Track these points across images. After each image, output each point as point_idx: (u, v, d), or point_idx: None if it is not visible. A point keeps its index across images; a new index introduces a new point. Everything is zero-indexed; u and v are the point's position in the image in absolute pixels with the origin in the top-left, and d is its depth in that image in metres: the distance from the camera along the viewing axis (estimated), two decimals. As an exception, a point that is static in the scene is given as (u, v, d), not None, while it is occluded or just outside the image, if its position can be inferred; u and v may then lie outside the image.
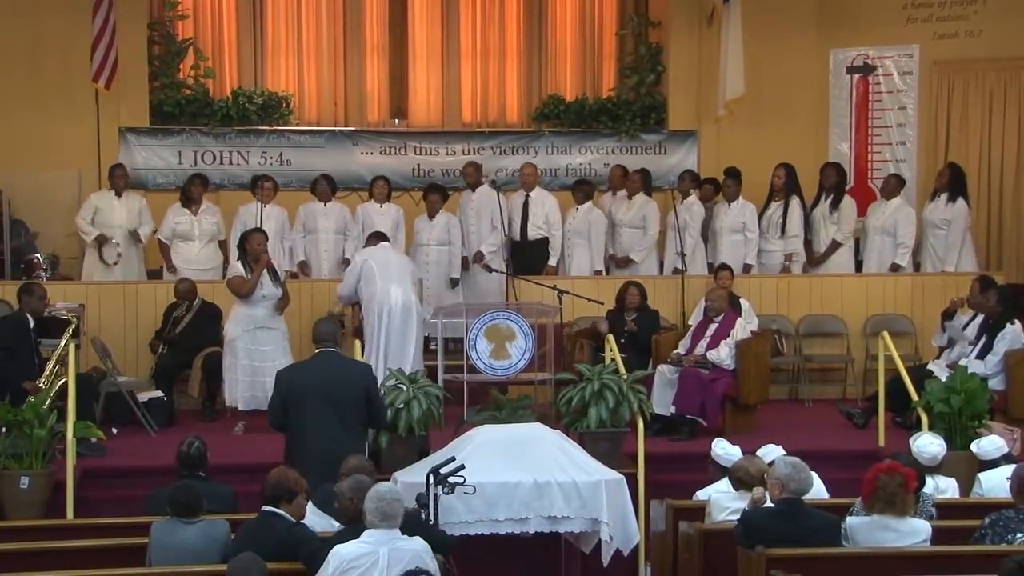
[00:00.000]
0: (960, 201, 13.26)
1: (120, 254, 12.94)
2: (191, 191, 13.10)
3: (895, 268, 13.27)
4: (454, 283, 13.08)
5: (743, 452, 8.18)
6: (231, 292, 11.19)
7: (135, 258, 13.21)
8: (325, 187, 13.41)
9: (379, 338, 11.00)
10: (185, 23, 15.08)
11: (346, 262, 12.66)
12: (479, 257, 13.05)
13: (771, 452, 8.16)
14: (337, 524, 7.25)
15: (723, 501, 7.80)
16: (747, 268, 13.17)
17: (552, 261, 13.34)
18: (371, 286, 11.11)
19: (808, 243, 13.51)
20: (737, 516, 7.40)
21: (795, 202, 13.31)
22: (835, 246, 13.40)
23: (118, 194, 13.14)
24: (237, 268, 11.16)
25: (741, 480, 7.77)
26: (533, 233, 13.38)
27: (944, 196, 13.30)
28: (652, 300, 12.07)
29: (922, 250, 13.48)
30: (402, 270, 11.32)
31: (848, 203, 13.48)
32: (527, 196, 13.47)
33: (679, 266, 12.84)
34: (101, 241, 12.93)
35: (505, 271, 12.69)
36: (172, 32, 14.98)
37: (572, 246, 13.48)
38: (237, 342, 11.10)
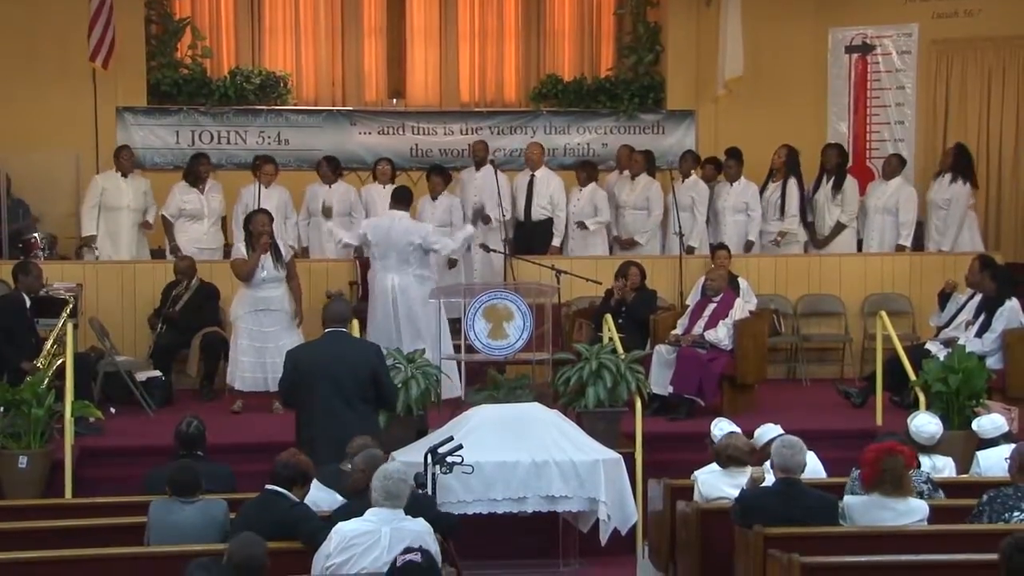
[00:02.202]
0: (960, 181, 13.23)
1: (98, 257, 12.84)
2: (199, 170, 12.98)
3: (900, 249, 13.24)
4: (452, 264, 13.05)
5: (742, 432, 8.16)
6: (234, 274, 11.21)
7: (143, 240, 13.16)
8: (326, 169, 13.36)
9: (373, 319, 11.11)
10: (182, 2, 15.07)
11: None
12: (486, 219, 13.01)
13: (769, 431, 8.15)
14: (340, 499, 7.27)
15: (711, 481, 7.79)
16: (749, 245, 13.18)
17: (556, 242, 13.31)
18: (373, 262, 11.19)
19: (811, 225, 13.48)
20: (726, 495, 7.41)
21: (792, 183, 13.29)
22: (840, 228, 13.37)
23: (124, 175, 13.06)
24: (240, 250, 11.17)
25: (732, 457, 7.75)
26: (537, 214, 13.35)
27: (948, 176, 13.28)
28: (651, 280, 12.06)
29: (925, 230, 13.46)
30: (400, 247, 11.23)
31: (851, 184, 13.44)
32: (532, 176, 13.44)
33: (679, 246, 12.81)
34: (85, 243, 12.88)
35: (503, 251, 12.68)
36: (169, 11, 14.95)
37: (577, 228, 13.41)
38: (239, 322, 11.13)
